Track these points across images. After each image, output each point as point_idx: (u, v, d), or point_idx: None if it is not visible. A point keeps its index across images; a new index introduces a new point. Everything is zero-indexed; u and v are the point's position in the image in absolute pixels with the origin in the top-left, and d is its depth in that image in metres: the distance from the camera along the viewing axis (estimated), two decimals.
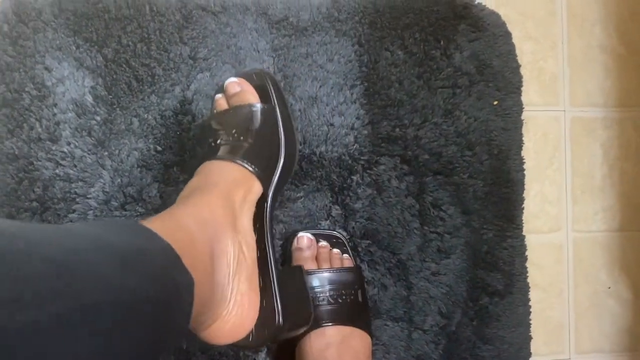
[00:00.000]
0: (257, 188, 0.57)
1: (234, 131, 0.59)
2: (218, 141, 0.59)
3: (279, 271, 0.57)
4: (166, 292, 0.35)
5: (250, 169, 0.57)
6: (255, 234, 0.56)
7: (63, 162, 0.69)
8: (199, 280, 0.41)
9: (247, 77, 0.64)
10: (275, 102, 0.62)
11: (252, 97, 0.62)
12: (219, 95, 0.64)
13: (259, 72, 0.64)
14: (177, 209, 0.50)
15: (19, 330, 0.21)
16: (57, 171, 0.69)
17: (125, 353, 0.29)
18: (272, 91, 0.62)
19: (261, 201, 0.58)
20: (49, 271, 0.25)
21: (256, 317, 0.53)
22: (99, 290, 0.28)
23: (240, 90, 0.62)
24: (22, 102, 0.69)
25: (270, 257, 0.57)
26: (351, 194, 0.73)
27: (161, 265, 0.37)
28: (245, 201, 0.55)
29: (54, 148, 0.69)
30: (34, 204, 0.68)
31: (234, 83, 0.62)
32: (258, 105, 0.60)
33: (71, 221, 0.68)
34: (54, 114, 0.69)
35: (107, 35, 0.70)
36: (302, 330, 0.61)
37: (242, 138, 0.59)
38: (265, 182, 0.58)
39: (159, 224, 0.44)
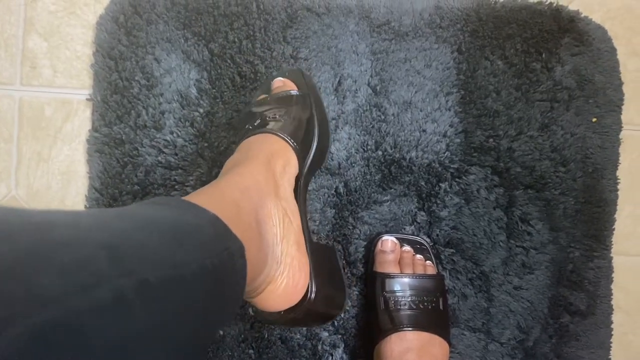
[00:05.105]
0: (294, 162, 0.59)
1: (272, 112, 0.62)
2: (256, 122, 0.62)
3: (313, 248, 0.57)
4: (221, 261, 0.37)
5: (290, 141, 0.59)
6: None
7: (165, 150, 0.72)
8: (248, 245, 0.43)
9: (283, 74, 0.68)
10: (308, 91, 0.66)
11: (290, 87, 0.66)
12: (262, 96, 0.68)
13: (292, 70, 0.69)
14: (221, 181, 0.51)
15: (89, 309, 0.24)
16: (159, 158, 0.72)
17: (187, 322, 0.31)
18: (305, 83, 0.67)
19: (296, 180, 0.60)
20: (102, 255, 0.27)
21: (307, 281, 0.54)
22: (153, 267, 0.29)
23: (283, 84, 0.66)
24: (131, 90, 0.72)
25: (304, 235, 0.57)
26: (438, 202, 0.74)
27: (212, 237, 0.38)
28: (284, 172, 0.57)
29: (157, 136, 0.72)
30: (136, 187, 0.72)
31: (278, 80, 0.67)
32: (294, 91, 0.65)
33: None
34: (160, 103, 0.72)
35: (215, 30, 0.72)
36: (335, 314, 0.61)
37: (278, 116, 0.61)
38: (300, 161, 0.60)
39: (206, 198, 0.45)
